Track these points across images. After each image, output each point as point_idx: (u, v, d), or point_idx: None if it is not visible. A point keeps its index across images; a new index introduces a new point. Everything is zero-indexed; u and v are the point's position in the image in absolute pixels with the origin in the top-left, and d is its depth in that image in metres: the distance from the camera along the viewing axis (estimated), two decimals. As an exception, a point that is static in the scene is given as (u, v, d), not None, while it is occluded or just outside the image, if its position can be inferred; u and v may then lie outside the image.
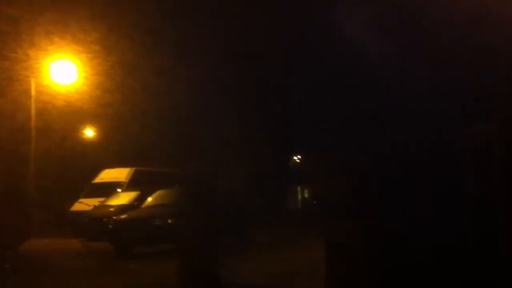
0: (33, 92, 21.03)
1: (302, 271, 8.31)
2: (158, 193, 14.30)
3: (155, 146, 26.42)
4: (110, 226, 13.05)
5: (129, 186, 19.92)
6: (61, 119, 23.78)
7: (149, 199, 14.29)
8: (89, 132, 29.27)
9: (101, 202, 18.17)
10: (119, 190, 19.48)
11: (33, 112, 20.96)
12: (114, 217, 13.82)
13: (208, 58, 24.59)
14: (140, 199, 15.77)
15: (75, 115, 24.66)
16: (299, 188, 42.88)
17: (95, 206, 18.25)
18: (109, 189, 19.47)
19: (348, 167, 3.65)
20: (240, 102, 28.38)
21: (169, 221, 12.37)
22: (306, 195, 42.45)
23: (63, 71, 21.84)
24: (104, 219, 15.05)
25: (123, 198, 17.44)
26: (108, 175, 21.20)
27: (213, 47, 24.80)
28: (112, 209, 16.55)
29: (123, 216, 13.45)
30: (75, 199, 20.19)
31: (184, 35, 23.44)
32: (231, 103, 27.78)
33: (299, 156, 43.29)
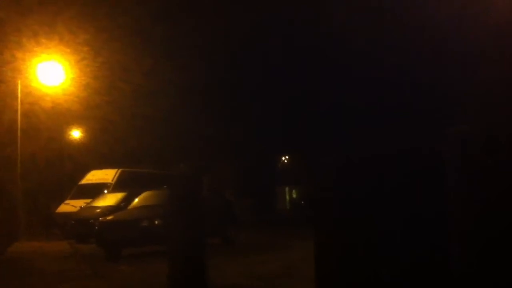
0: (19, 94, 20.94)
1: (288, 273, 8.37)
2: (145, 194, 14.26)
3: (143, 147, 26.42)
4: (96, 228, 13.02)
5: (115, 187, 19.92)
6: (48, 120, 23.71)
7: (136, 200, 14.26)
8: (76, 134, 29.17)
9: (88, 203, 18.15)
10: (105, 191, 19.48)
11: (19, 113, 20.86)
12: (100, 219, 13.80)
13: (197, 59, 24.63)
14: (127, 200, 15.74)
15: (62, 116, 24.60)
16: (287, 189, 43.01)
17: (81, 207, 18.23)
18: (96, 190, 19.48)
19: (340, 168, 3.71)
20: (230, 103, 28.45)
21: (156, 222, 12.34)
22: (294, 196, 42.60)
23: (50, 73, 21.76)
24: (90, 221, 15.04)
25: (109, 199, 17.43)
26: (94, 176, 21.20)
27: (201, 49, 24.83)
28: (98, 210, 16.55)
29: (109, 218, 13.41)
30: (62, 200, 20.17)
31: (172, 36, 23.46)
32: (221, 104, 27.83)
33: (287, 157, 43.45)
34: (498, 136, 2.99)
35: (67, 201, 19.89)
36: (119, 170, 21.27)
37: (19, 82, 21.06)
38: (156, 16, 22.74)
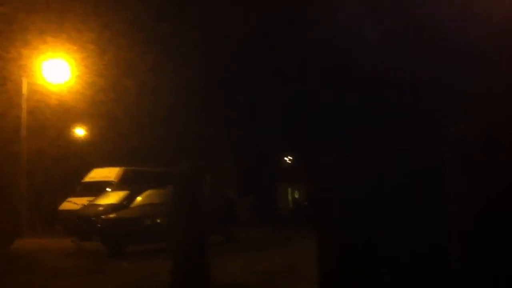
0: (24, 91, 20.97)
1: (288, 270, 8.41)
2: (147, 192, 14.35)
3: (147, 145, 26.43)
4: (99, 225, 13.09)
5: (118, 185, 19.98)
6: (54, 118, 23.72)
7: (139, 198, 14.34)
8: (81, 131, 29.23)
9: (91, 201, 18.20)
10: (108, 189, 19.54)
11: (24, 111, 20.91)
12: (102, 216, 13.86)
13: (201, 57, 24.64)
14: (130, 198, 15.82)
15: (68, 114, 24.62)
16: (289, 189, 42.99)
17: (84, 205, 18.28)
18: (99, 188, 19.53)
19: (340, 168, 3.72)
20: (232, 101, 28.45)
21: (158, 220, 12.43)
22: (296, 196, 42.58)
23: (56, 70, 21.79)
24: (92, 218, 15.10)
25: (112, 198, 17.48)
26: (98, 174, 21.25)
27: (206, 46, 24.85)
28: (101, 208, 16.60)
29: (111, 215, 13.50)
30: (66, 198, 20.22)
31: (177, 34, 23.47)
32: (223, 103, 27.84)
33: (289, 157, 43.43)
34: (498, 136, 2.99)
35: (70, 199, 19.95)
36: (122, 169, 21.33)
37: (24, 79, 21.10)
38: (163, 12, 22.77)
